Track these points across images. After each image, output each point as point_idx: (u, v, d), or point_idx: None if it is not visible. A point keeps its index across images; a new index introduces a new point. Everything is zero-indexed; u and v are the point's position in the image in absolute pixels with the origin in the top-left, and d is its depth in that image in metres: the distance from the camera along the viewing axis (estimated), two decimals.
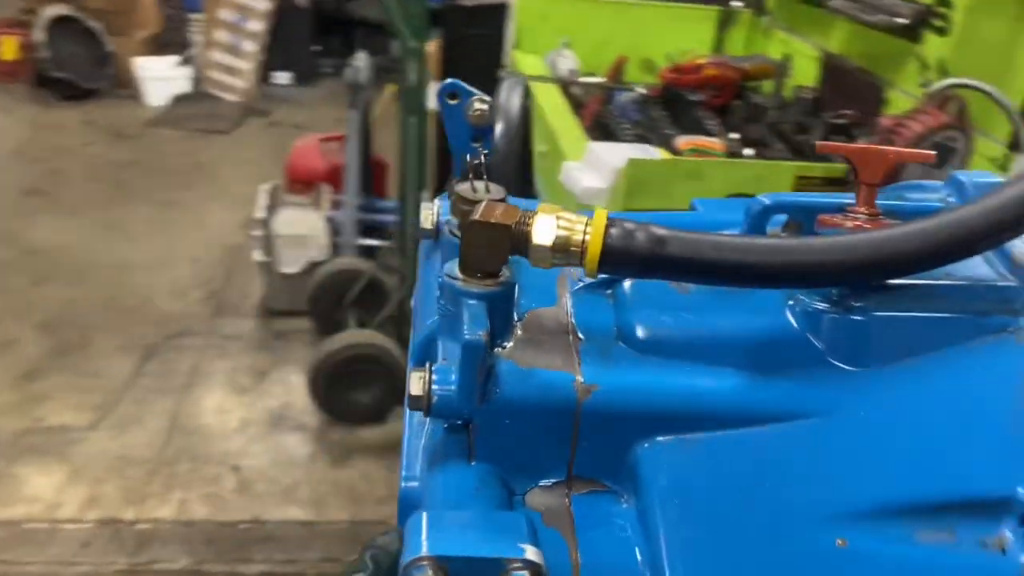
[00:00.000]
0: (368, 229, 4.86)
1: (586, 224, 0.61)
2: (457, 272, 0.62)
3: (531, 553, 0.54)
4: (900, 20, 2.29)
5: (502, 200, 0.69)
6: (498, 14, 4.25)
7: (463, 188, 0.69)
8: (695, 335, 0.66)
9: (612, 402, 0.62)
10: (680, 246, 0.60)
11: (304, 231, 4.51)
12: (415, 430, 0.70)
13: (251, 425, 3.65)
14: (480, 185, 0.69)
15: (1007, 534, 0.59)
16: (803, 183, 1.69)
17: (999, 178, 0.69)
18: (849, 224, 0.64)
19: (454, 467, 0.63)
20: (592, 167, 1.97)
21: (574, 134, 2.28)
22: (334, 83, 7.78)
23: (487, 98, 0.81)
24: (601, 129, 2.61)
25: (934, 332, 0.63)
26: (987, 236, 0.59)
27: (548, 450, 0.63)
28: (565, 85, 2.75)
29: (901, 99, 2.34)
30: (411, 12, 2.94)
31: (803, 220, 0.69)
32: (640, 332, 0.66)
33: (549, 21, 3.10)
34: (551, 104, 2.49)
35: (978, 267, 0.64)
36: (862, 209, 0.65)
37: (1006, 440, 0.60)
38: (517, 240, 0.61)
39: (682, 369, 0.64)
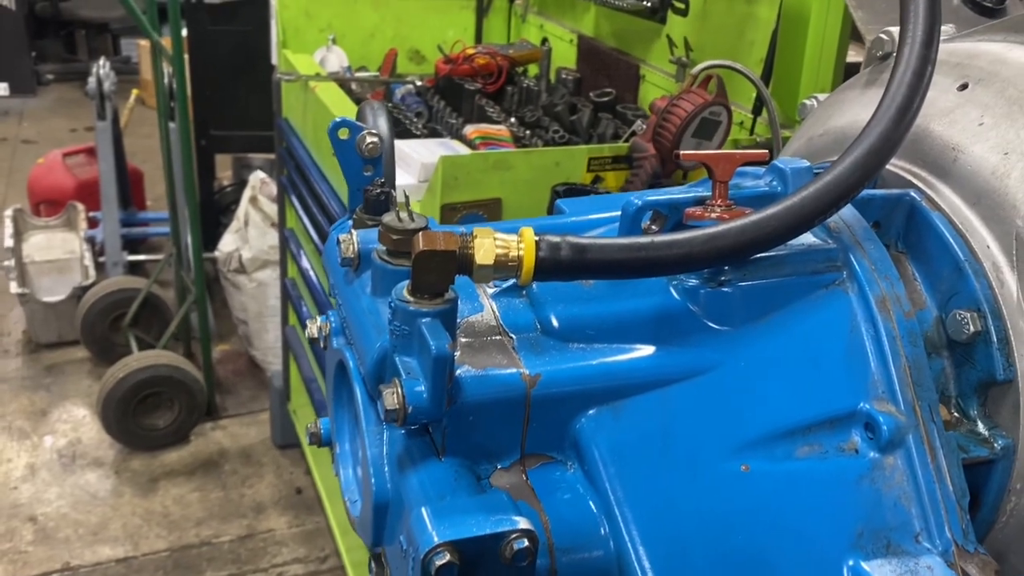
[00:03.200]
0: (134, 244, 4.58)
1: (518, 241, 0.71)
2: (408, 296, 0.70)
3: (523, 522, 0.65)
4: (645, 3, 2.56)
5: (426, 227, 0.77)
6: (248, 11, 4.14)
7: (389, 219, 0.77)
8: (605, 320, 0.78)
9: (554, 387, 0.74)
10: (597, 252, 0.72)
11: (60, 255, 4.19)
12: (373, 439, 0.78)
13: (40, 470, 3.38)
14: (404, 215, 0.77)
15: (856, 438, 0.77)
16: (596, 164, 1.88)
17: (806, 162, 0.87)
18: (714, 216, 0.79)
19: (428, 466, 0.72)
20: (400, 165, 2.05)
21: None
22: (60, 90, 7.15)
23: (375, 131, 0.88)
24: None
25: (784, 292, 0.80)
26: (820, 214, 0.76)
27: (504, 436, 0.74)
28: (344, 83, 2.79)
29: (654, 75, 2.62)
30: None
31: (668, 215, 0.84)
32: (559, 324, 0.78)
33: (313, 18, 3.10)
34: (336, 103, 2.52)
35: (806, 236, 0.82)
36: (719, 202, 0.81)
37: (845, 367, 0.79)
38: (462, 263, 0.70)
39: (601, 350, 0.77)
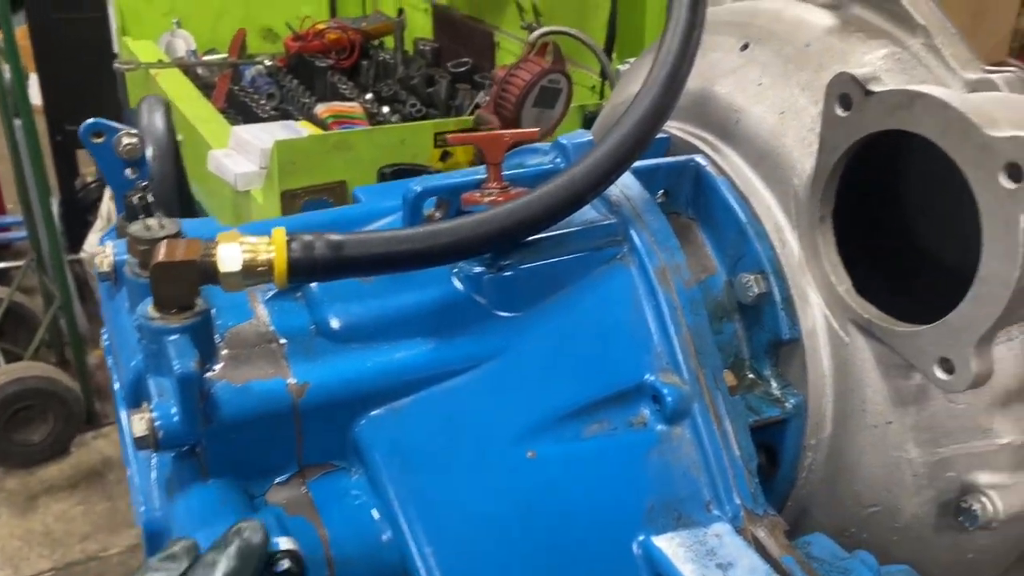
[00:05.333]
0: None
1: (268, 243, 0.67)
2: (152, 312, 0.66)
3: (285, 543, 0.62)
4: None
5: (177, 235, 0.72)
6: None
7: (136, 228, 0.71)
8: (383, 316, 0.75)
9: (325, 394, 0.70)
10: (356, 247, 0.69)
11: None
12: (142, 464, 0.73)
13: None
14: (152, 222, 0.72)
15: (645, 411, 0.77)
16: (442, 139, 1.84)
17: (590, 136, 0.86)
18: (487, 200, 0.77)
19: (193, 489, 0.68)
20: (240, 151, 1.97)
21: (212, 119, 2.23)
22: None
23: (134, 131, 0.82)
24: (238, 108, 2.57)
25: (566, 271, 0.79)
26: (591, 190, 0.74)
27: (276, 450, 0.70)
28: (188, 68, 2.66)
29: (508, 41, 2.59)
30: None
31: (450, 199, 0.81)
32: (335, 324, 0.75)
33: (154, 2, 2.95)
34: (179, 91, 2.40)
35: (587, 212, 0.81)
36: (494, 185, 0.78)
37: (630, 340, 0.78)
38: (206, 272, 0.65)
39: (379, 349, 0.74)
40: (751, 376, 0.86)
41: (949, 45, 0.82)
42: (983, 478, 0.79)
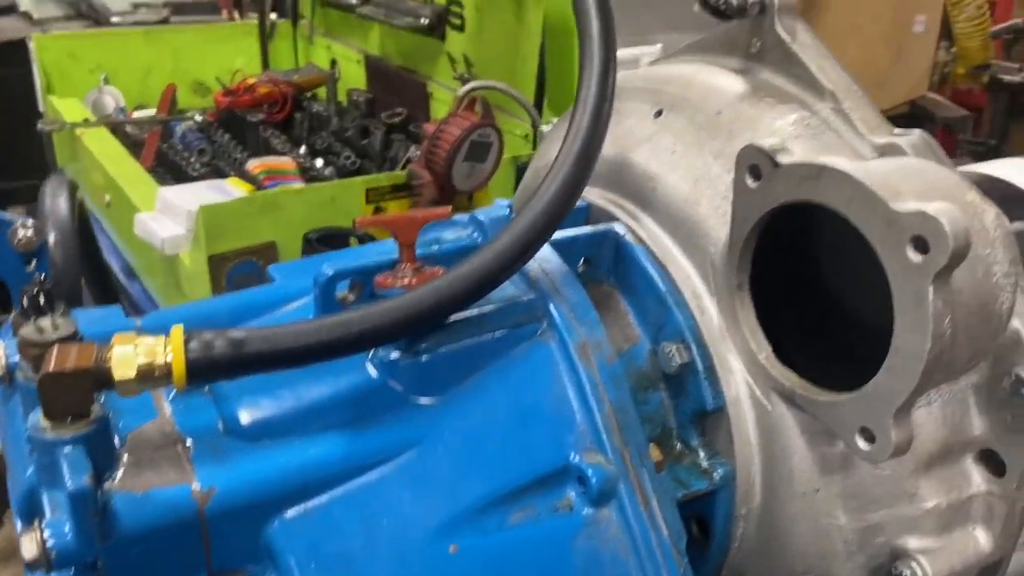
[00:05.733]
0: None
1: (165, 344, 0.64)
2: (43, 422, 0.62)
3: None
4: (423, 20, 2.53)
5: (73, 335, 0.69)
6: (11, 53, 3.82)
7: (27, 331, 0.68)
8: (295, 410, 0.73)
9: (233, 499, 0.67)
10: (260, 343, 0.66)
11: None
12: None
13: None
14: (46, 323, 0.68)
15: (571, 494, 0.75)
16: (374, 195, 1.82)
17: (507, 210, 0.84)
18: (400, 284, 0.75)
19: None
20: (167, 214, 1.92)
21: (139, 180, 2.18)
22: None
23: (29, 222, 0.79)
24: (167, 167, 2.53)
25: (485, 351, 0.77)
26: (505, 271, 0.73)
27: (183, 560, 0.67)
28: (116, 126, 2.61)
29: (441, 91, 2.59)
30: None
31: (364, 281, 0.79)
32: (245, 421, 0.72)
33: (80, 60, 2.90)
34: (106, 151, 2.35)
35: (506, 288, 0.79)
36: (407, 266, 0.76)
37: (553, 420, 0.76)
38: (100, 379, 0.62)
39: (291, 446, 0.71)
40: (679, 446, 0.85)
41: (857, 109, 0.83)
42: (912, 543, 0.78)
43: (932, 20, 3.32)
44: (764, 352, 0.80)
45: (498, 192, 2.02)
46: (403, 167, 2.13)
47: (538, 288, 0.80)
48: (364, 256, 0.82)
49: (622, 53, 1.08)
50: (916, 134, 0.81)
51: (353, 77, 2.97)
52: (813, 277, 0.87)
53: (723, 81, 0.90)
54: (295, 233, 1.74)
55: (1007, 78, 3.76)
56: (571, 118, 0.80)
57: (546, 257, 0.83)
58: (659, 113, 0.92)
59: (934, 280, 0.64)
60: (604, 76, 0.80)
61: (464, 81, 2.40)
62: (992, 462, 0.80)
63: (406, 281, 0.75)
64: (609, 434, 0.76)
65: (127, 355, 0.63)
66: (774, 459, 0.80)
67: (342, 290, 0.80)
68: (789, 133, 0.82)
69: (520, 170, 1.97)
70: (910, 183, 0.68)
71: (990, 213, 0.70)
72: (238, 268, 1.70)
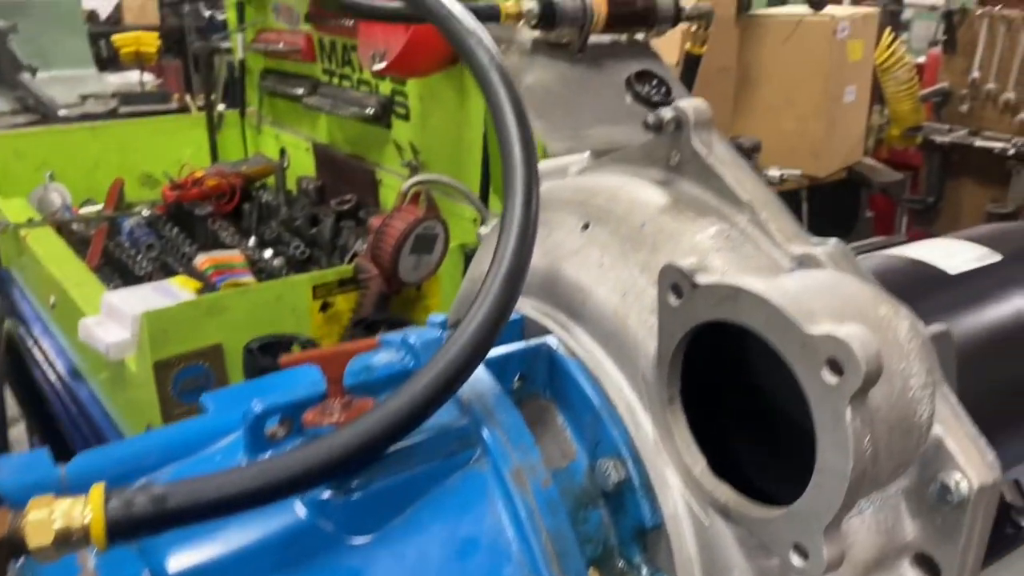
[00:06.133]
0: None
1: (84, 505, 0.63)
2: None
3: None
4: (369, 111, 2.56)
5: None
6: None
7: None
8: (224, 557, 0.71)
9: None
10: (183, 496, 0.65)
11: None
12: None
13: None
14: None
15: None
16: (321, 291, 1.82)
17: (439, 333, 0.85)
18: (328, 422, 0.74)
19: None
20: (112, 319, 1.90)
21: (84, 282, 2.16)
22: None
23: None
24: (114, 265, 2.50)
25: (420, 483, 0.77)
26: (434, 403, 0.73)
27: None
28: (61, 225, 2.59)
29: (390, 178, 2.61)
30: None
31: (293, 417, 0.78)
32: (172, 571, 0.70)
33: (25, 157, 2.88)
34: (50, 252, 2.33)
35: (440, 415, 0.79)
36: (335, 401, 0.76)
37: (489, 552, 0.75)
38: (14, 547, 0.61)
39: None
40: (622, 563, 0.85)
41: (773, 219, 0.86)
42: None
43: (862, 90, 3.45)
44: (699, 466, 0.80)
45: (447, 279, 2.03)
46: (351, 257, 2.14)
47: (471, 413, 0.80)
48: (296, 387, 0.81)
49: (550, 163, 1.10)
50: (832, 243, 0.84)
51: (302, 165, 2.99)
52: (751, 385, 0.88)
53: (646, 194, 0.92)
54: (241, 335, 1.73)
55: (939, 139, 3.90)
56: (497, 241, 0.81)
57: (479, 378, 0.83)
58: (586, 226, 0.94)
59: (851, 401, 0.65)
60: (528, 199, 0.81)
61: (412, 168, 2.43)
62: (927, 565, 0.80)
63: (334, 418, 0.75)
64: (547, 563, 0.75)
65: (43, 521, 0.61)
66: (715, 573, 0.80)
67: (272, 425, 0.79)
68: (710, 247, 0.84)
69: (468, 258, 1.99)
70: (823, 301, 0.70)
71: (903, 326, 0.72)
72: (184, 372, 1.68)
